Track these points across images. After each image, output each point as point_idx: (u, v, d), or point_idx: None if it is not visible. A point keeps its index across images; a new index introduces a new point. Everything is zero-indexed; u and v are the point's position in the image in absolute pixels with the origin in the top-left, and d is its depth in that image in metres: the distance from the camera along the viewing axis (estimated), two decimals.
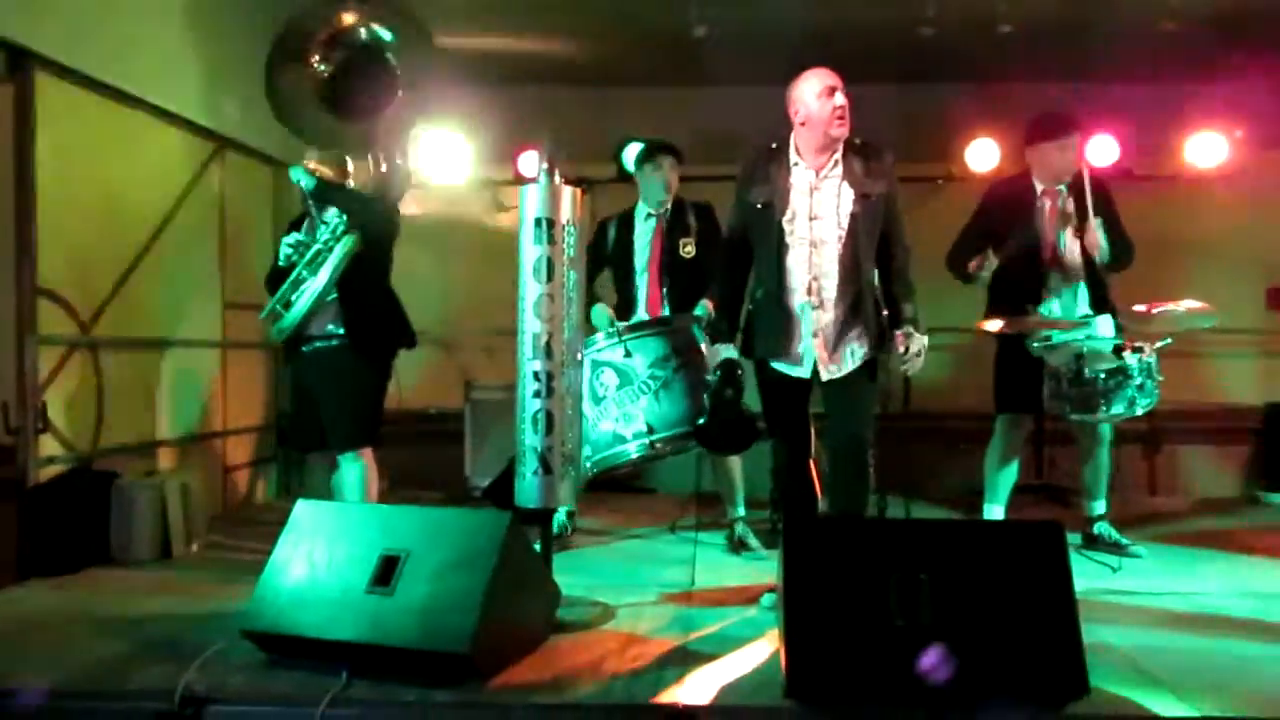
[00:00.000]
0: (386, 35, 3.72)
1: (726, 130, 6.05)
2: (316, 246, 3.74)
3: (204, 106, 4.98)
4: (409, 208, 6.26)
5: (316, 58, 3.74)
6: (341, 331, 3.74)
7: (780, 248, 3.27)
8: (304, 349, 3.80)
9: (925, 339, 3.27)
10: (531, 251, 3.26)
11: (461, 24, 5.37)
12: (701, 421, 3.42)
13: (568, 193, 3.30)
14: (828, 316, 3.27)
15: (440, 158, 5.99)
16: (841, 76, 3.34)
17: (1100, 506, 4.34)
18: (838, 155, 3.29)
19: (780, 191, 3.28)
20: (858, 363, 3.29)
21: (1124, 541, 4.25)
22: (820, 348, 3.27)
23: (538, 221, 3.27)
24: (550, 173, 3.31)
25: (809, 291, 3.27)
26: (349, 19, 3.73)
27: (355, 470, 3.75)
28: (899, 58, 5.66)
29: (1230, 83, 5.90)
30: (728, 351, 3.35)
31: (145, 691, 2.64)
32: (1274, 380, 6.01)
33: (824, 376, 3.29)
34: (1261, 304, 6.05)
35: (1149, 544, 4.34)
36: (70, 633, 3.16)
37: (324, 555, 2.91)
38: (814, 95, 3.28)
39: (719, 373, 3.32)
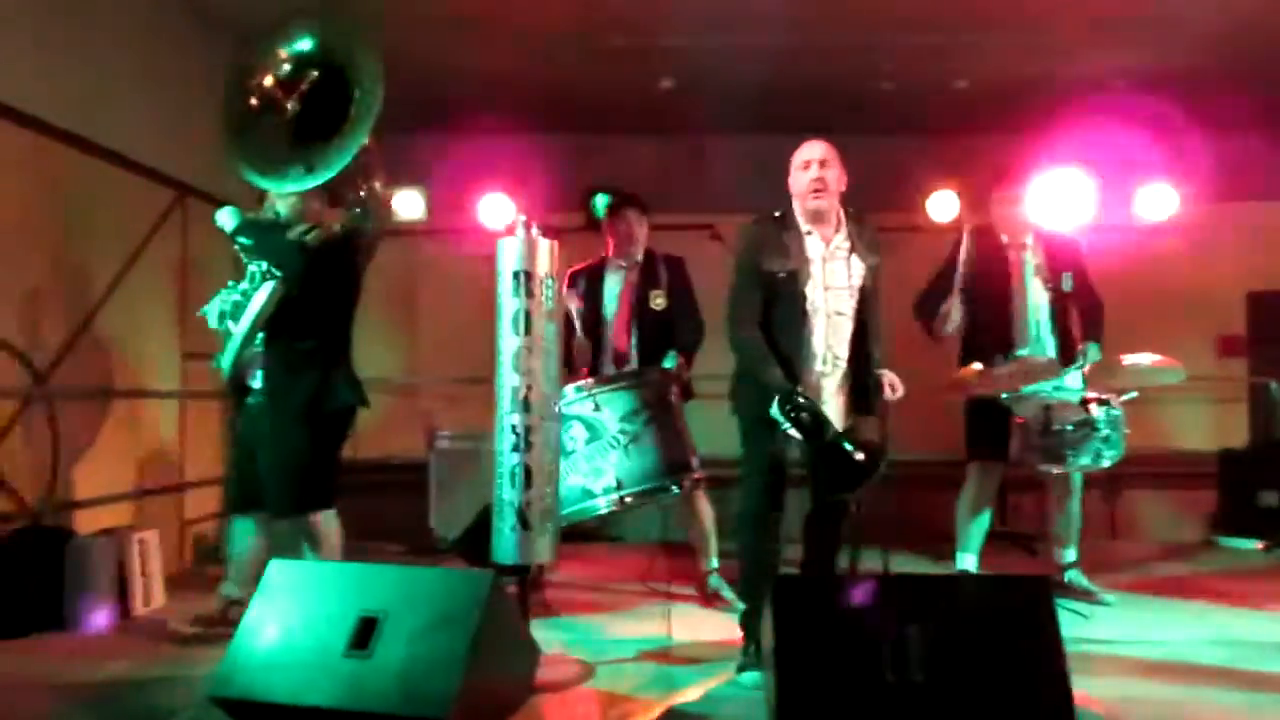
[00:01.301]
0: (333, 48, 3.56)
1: (692, 179, 6.15)
2: (235, 296, 3.64)
3: (165, 154, 4.90)
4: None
5: (264, 93, 3.60)
6: (262, 387, 3.62)
7: (801, 316, 3.26)
8: (248, 401, 3.69)
9: (899, 389, 3.36)
10: (510, 304, 3.25)
11: (425, 68, 5.38)
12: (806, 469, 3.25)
13: (545, 245, 3.30)
14: (837, 384, 3.31)
15: (401, 203, 5.95)
16: (819, 134, 3.38)
17: (1071, 554, 4.39)
18: (843, 224, 3.33)
19: (802, 261, 3.26)
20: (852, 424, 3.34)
21: (1094, 589, 4.29)
22: (830, 412, 3.27)
23: (515, 275, 3.25)
24: (527, 226, 3.31)
25: (824, 361, 3.28)
26: (290, 54, 3.60)
27: (309, 543, 3.61)
28: (861, 110, 5.78)
29: (1179, 137, 6.12)
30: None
31: None
32: (1226, 426, 6.17)
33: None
34: (1212, 352, 6.22)
35: (1115, 591, 4.39)
36: (25, 701, 3.02)
37: (299, 617, 2.82)
38: (795, 166, 3.34)
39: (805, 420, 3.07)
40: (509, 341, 3.24)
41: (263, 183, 3.62)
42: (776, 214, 3.35)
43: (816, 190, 3.26)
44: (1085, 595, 4.24)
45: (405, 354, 6.47)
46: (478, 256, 6.07)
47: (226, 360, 3.64)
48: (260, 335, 3.59)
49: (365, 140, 3.46)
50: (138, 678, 3.26)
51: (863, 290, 3.33)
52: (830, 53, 5.28)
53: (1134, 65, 5.21)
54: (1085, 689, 2.94)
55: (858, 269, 3.31)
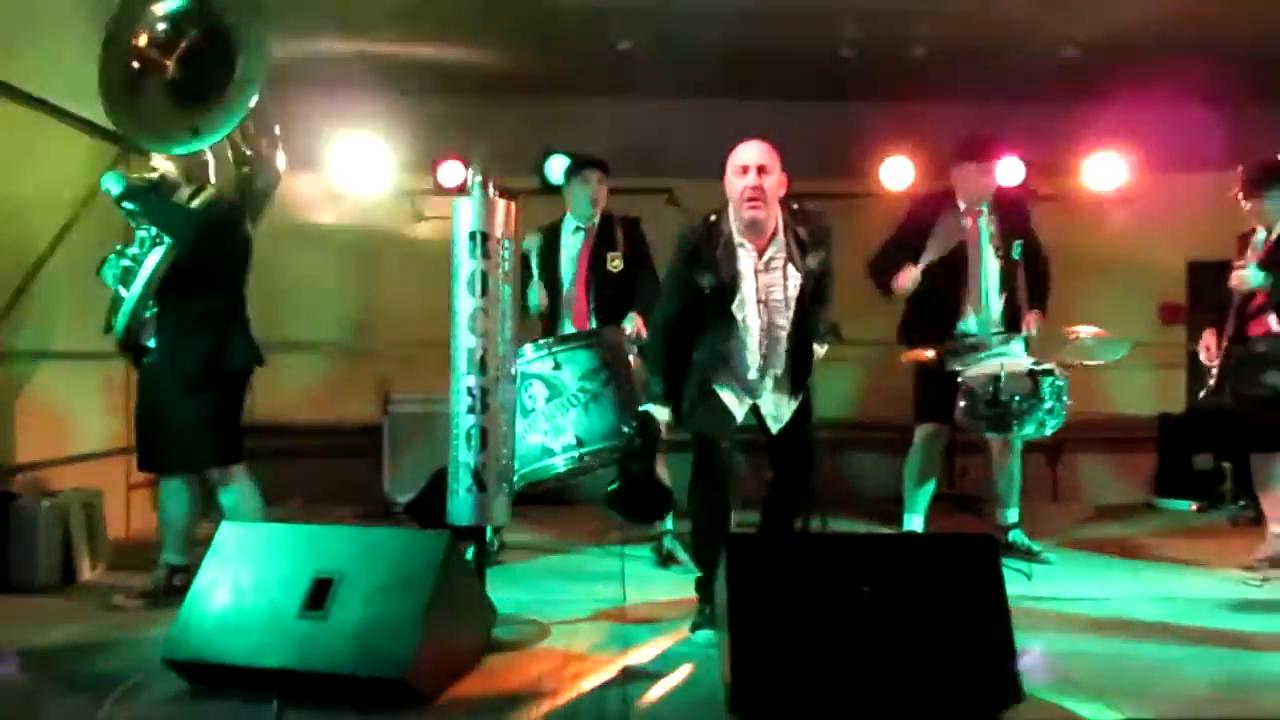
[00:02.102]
0: (213, 6, 3.49)
1: (650, 142, 6.12)
2: (125, 261, 3.60)
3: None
4: (325, 215, 6.23)
5: (142, 53, 3.53)
6: (153, 346, 3.63)
7: (731, 330, 3.21)
8: (145, 361, 3.68)
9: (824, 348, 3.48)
10: (466, 266, 3.22)
11: (381, 32, 5.28)
12: (613, 487, 3.35)
13: (501, 207, 3.27)
14: (776, 383, 3.30)
15: (358, 166, 5.87)
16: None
17: (1013, 515, 4.50)
18: (779, 232, 3.19)
19: (729, 276, 3.16)
20: (796, 408, 3.35)
21: (1036, 548, 4.42)
22: (766, 407, 3.31)
23: (471, 236, 3.23)
24: (484, 186, 3.28)
25: (759, 370, 3.25)
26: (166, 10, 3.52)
27: (227, 495, 3.67)
28: (817, 77, 5.78)
29: (1125, 107, 6.22)
30: (660, 414, 3.27)
31: None
32: (1166, 392, 6.33)
33: (773, 430, 3.33)
34: (1154, 318, 6.36)
35: (1057, 550, 4.53)
36: None
37: (251, 579, 2.81)
38: (731, 169, 3.19)
39: (634, 429, 3.28)
40: (465, 303, 3.22)
41: (149, 145, 3.58)
42: (711, 218, 3.23)
43: (753, 201, 3.11)
44: (1028, 555, 4.35)
45: (360, 317, 6.38)
46: (433, 218, 6.09)
47: (120, 324, 3.61)
48: (152, 298, 3.60)
49: (252, 103, 3.41)
50: (87, 641, 3.22)
51: (800, 300, 3.22)
52: (789, 18, 5.26)
53: (1082, 35, 5.26)
54: (1028, 643, 3.06)
55: (794, 279, 3.20)
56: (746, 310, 3.20)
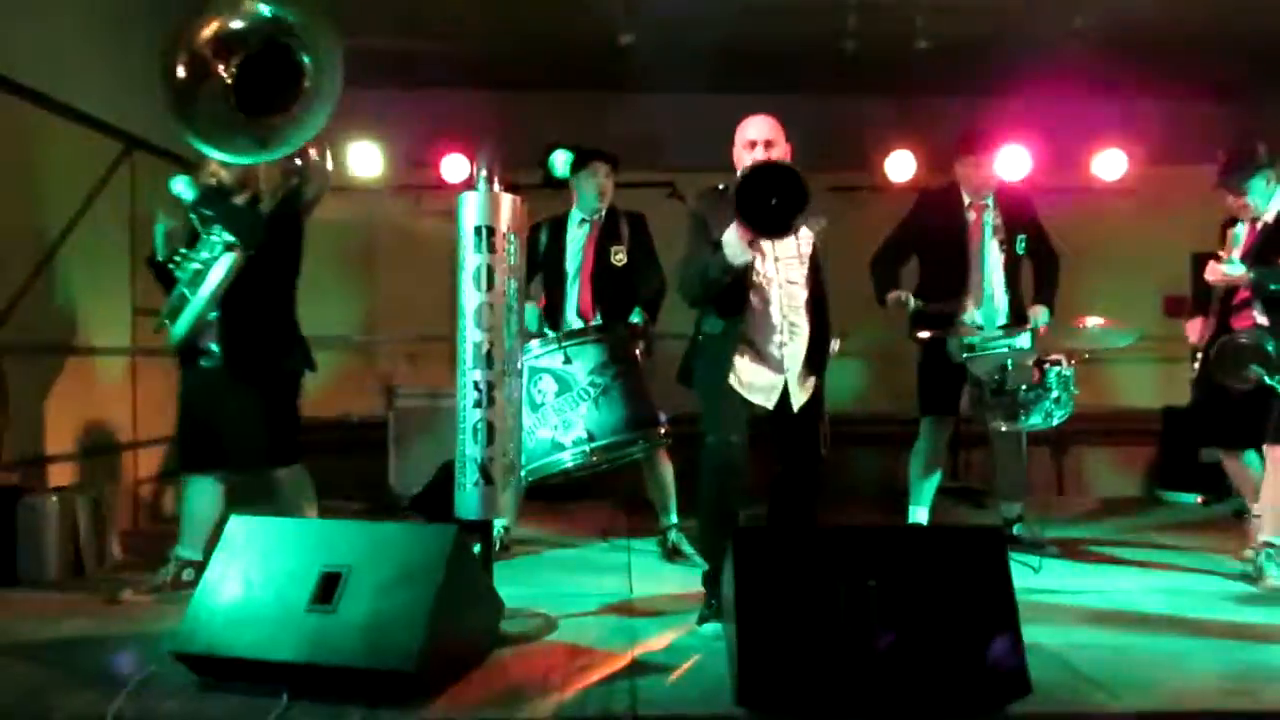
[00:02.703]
0: (288, 23, 3.42)
1: (651, 137, 6.12)
2: (195, 265, 3.58)
3: (112, 105, 4.76)
4: (328, 212, 6.23)
5: (210, 55, 3.41)
6: (222, 350, 3.63)
7: (750, 288, 3.27)
8: (201, 363, 3.68)
9: (837, 343, 3.53)
10: (472, 260, 3.22)
11: (383, 26, 5.28)
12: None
13: (508, 200, 3.27)
14: (797, 352, 3.32)
15: (361, 160, 5.87)
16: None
17: (1017, 509, 4.51)
18: None
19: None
20: (813, 388, 3.38)
21: (1041, 541, 4.42)
22: (791, 381, 3.32)
23: (477, 230, 3.23)
24: (489, 180, 3.28)
25: (782, 330, 3.30)
26: (239, 15, 3.43)
27: (285, 494, 3.71)
28: (821, 70, 5.78)
29: (1129, 99, 6.21)
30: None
31: None
32: (1171, 384, 6.31)
33: (795, 407, 3.34)
34: (1159, 311, 6.36)
35: (1062, 543, 4.52)
36: None
37: (260, 573, 2.82)
38: (739, 143, 3.32)
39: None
40: (471, 297, 3.22)
41: (210, 151, 3.54)
42: (720, 187, 3.30)
43: None
44: (1032, 548, 4.35)
45: (364, 312, 6.40)
46: (437, 213, 6.10)
47: (183, 326, 3.61)
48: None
49: (323, 124, 3.42)
50: (96, 635, 3.22)
51: (814, 257, 3.33)
52: (792, 11, 5.25)
53: (1086, 29, 5.25)
54: (1036, 637, 3.05)
55: (805, 236, 3.30)
56: (765, 265, 3.26)
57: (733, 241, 3.09)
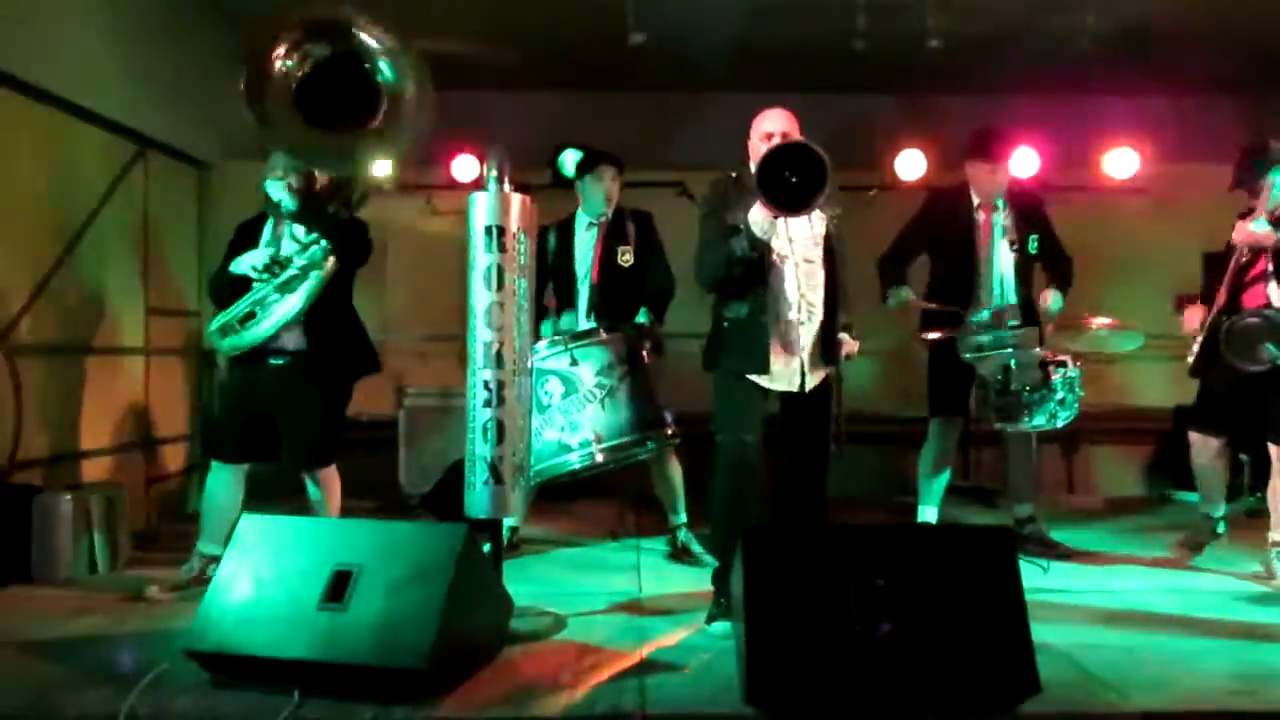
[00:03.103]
0: (369, 43, 3.51)
1: (661, 136, 6.13)
2: (293, 271, 3.64)
3: (126, 107, 4.79)
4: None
5: (291, 64, 3.45)
6: (303, 350, 3.69)
7: (771, 266, 3.33)
8: (269, 361, 3.71)
9: (857, 344, 3.59)
10: (482, 260, 3.23)
11: (392, 25, 5.29)
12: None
13: (518, 200, 3.28)
14: (812, 332, 3.36)
15: (370, 161, 5.87)
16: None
17: (1029, 509, 4.49)
18: None
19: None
20: (824, 374, 3.43)
21: (1052, 542, 4.41)
22: (806, 362, 3.36)
23: (488, 230, 3.23)
24: (500, 180, 3.29)
25: (799, 309, 3.34)
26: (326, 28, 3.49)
27: (321, 490, 3.78)
28: (832, 69, 5.77)
29: (1139, 97, 6.19)
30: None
31: (85, 718, 2.54)
32: (1182, 383, 6.25)
33: (808, 388, 3.37)
34: (1169, 310, 6.32)
35: (1072, 543, 4.50)
36: None
37: (272, 571, 2.84)
38: (755, 135, 3.40)
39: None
40: (481, 297, 3.23)
41: (300, 160, 3.61)
42: (733, 174, 3.39)
43: None
44: (1043, 548, 4.34)
45: (374, 311, 6.39)
46: (446, 213, 6.11)
47: (267, 330, 3.66)
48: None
49: (412, 143, 3.52)
50: (109, 633, 3.26)
51: (828, 238, 3.39)
52: (802, 10, 5.25)
53: (1096, 27, 5.24)
54: (1045, 636, 3.05)
55: (820, 218, 3.37)
56: (780, 244, 3.32)
57: (759, 218, 3.17)
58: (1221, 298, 4.02)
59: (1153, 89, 6.10)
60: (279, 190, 3.66)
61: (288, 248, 3.72)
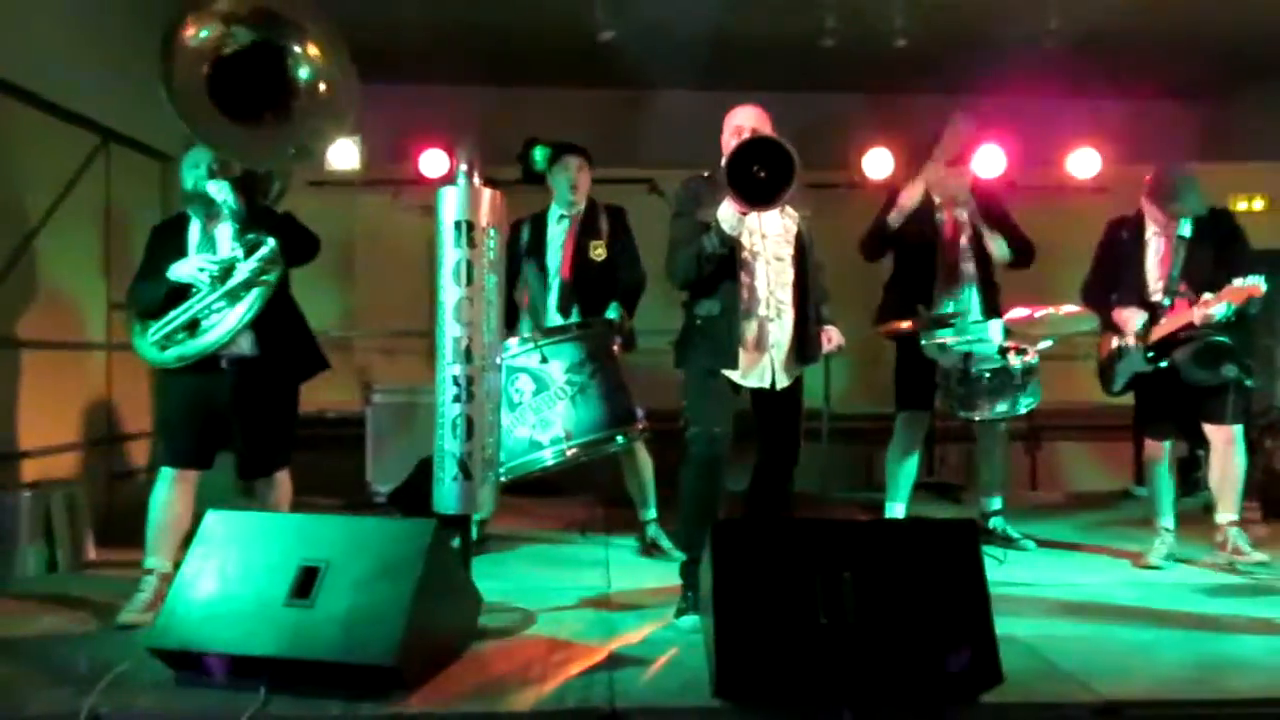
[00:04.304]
0: (292, 32, 3.33)
1: (631, 133, 6.14)
2: (246, 277, 3.44)
3: (88, 98, 4.71)
4: (303, 205, 6.19)
5: (206, 39, 3.27)
6: (257, 354, 3.52)
7: (741, 263, 3.34)
8: (221, 366, 3.52)
9: (842, 338, 3.61)
10: (451, 255, 3.22)
11: (361, 18, 5.25)
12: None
13: (487, 195, 3.27)
14: (784, 330, 3.38)
15: (338, 154, 5.84)
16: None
17: (997, 502, 4.56)
18: None
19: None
20: (798, 373, 3.45)
21: (1016, 535, 4.48)
22: (777, 360, 3.37)
23: (457, 225, 3.23)
24: (470, 175, 3.28)
25: (768, 306, 3.35)
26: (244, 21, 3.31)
27: (276, 493, 3.64)
28: (800, 67, 5.82)
29: (1102, 99, 6.29)
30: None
31: (46, 717, 2.51)
32: None
33: (778, 386, 3.39)
34: None
35: (1036, 537, 4.57)
36: None
37: (238, 567, 2.81)
38: (728, 131, 3.40)
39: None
40: (450, 292, 3.22)
41: (211, 152, 3.46)
42: (705, 173, 3.39)
43: None
44: (1008, 541, 4.41)
45: (341, 307, 6.37)
46: (414, 208, 6.08)
47: (218, 339, 3.45)
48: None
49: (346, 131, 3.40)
50: (72, 632, 3.21)
51: (799, 237, 3.40)
52: (770, 8, 5.29)
53: (1061, 29, 5.31)
54: (1008, 628, 3.09)
55: (791, 215, 3.40)
56: (752, 240, 3.33)
57: (728, 215, 3.18)
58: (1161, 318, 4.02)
59: (1114, 91, 6.20)
60: (222, 190, 3.43)
61: (226, 250, 3.50)
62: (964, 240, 4.47)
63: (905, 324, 4.31)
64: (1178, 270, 4.01)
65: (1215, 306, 3.80)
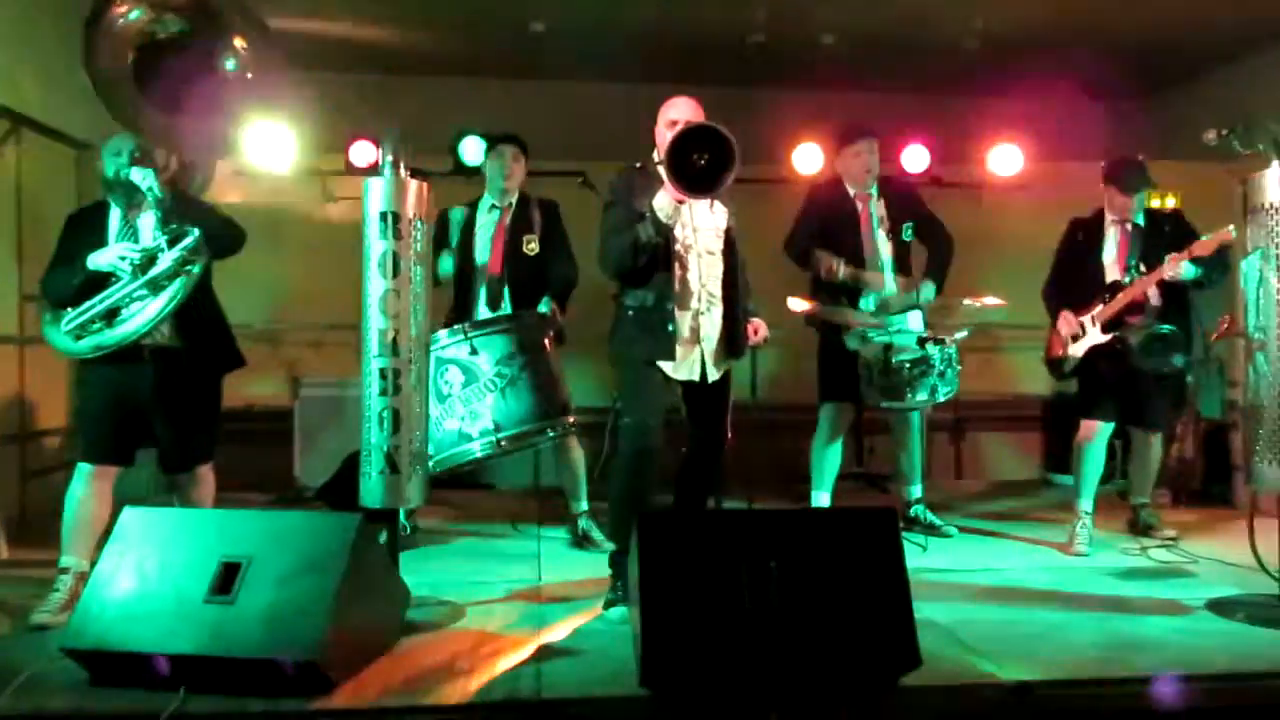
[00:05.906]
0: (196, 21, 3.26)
1: (563, 125, 6.11)
2: (169, 267, 3.38)
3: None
4: (232, 196, 6.07)
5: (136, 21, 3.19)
6: (179, 346, 3.46)
7: (674, 255, 3.35)
8: (143, 358, 3.44)
9: (766, 331, 3.65)
10: (377, 246, 3.19)
11: (291, 6, 5.16)
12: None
13: (414, 187, 3.24)
14: (714, 323, 3.40)
15: (266, 146, 5.72)
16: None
17: (917, 491, 4.67)
18: None
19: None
20: (727, 366, 3.48)
21: (938, 523, 4.59)
22: (708, 352, 3.40)
23: (383, 216, 3.19)
24: (396, 166, 3.24)
25: (699, 299, 3.38)
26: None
27: (199, 487, 3.60)
28: (729, 62, 5.86)
29: (1022, 98, 6.45)
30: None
31: None
32: None
33: (710, 379, 3.41)
34: None
35: (957, 524, 4.71)
36: None
37: (156, 565, 2.75)
38: (662, 124, 3.40)
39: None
40: (376, 284, 3.18)
41: (132, 141, 3.40)
42: (638, 165, 3.41)
43: None
44: (930, 529, 4.52)
45: (269, 299, 6.25)
46: (344, 199, 5.98)
47: (137, 329, 3.38)
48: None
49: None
50: None
51: (728, 232, 3.44)
52: (700, 2, 5.32)
53: (983, 29, 5.45)
54: (928, 613, 3.18)
55: (721, 211, 3.43)
56: (684, 233, 3.36)
57: (664, 204, 3.19)
58: (1103, 310, 4.26)
59: (1035, 91, 6.36)
60: (147, 178, 3.36)
61: (149, 239, 3.44)
62: (880, 231, 4.57)
63: (805, 305, 4.39)
64: (1135, 256, 4.23)
65: (1182, 264, 4.04)
